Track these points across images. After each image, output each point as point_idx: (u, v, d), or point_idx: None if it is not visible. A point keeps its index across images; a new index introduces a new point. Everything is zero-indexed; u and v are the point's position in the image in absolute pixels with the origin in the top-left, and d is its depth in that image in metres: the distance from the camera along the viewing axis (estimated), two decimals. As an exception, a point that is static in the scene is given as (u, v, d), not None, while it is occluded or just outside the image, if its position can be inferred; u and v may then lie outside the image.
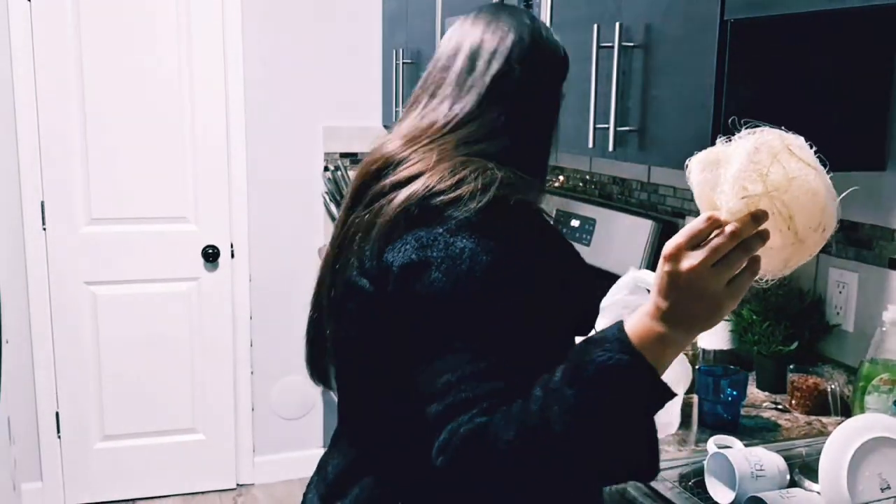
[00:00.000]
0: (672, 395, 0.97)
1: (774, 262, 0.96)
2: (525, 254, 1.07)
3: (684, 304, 0.93)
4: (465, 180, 1.08)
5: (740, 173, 0.92)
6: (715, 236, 0.91)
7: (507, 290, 1.03)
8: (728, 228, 0.90)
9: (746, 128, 0.99)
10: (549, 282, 1.09)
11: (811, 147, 0.99)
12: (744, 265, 0.92)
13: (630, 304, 1.81)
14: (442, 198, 1.07)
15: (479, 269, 1.02)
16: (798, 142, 0.98)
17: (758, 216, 0.90)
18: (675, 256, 0.92)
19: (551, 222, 1.20)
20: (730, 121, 1.09)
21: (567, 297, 1.15)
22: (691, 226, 0.92)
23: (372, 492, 1.20)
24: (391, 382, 1.12)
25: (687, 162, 1.00)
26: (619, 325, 0.97)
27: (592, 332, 1.08)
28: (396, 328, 1.07)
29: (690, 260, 0.91)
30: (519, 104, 1.20)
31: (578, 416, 0.93)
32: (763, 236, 0.91)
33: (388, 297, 1.08)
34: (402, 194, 1.10)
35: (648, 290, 1.76)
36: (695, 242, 0.91)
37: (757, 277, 0.94)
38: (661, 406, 0.97)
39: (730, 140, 0.99)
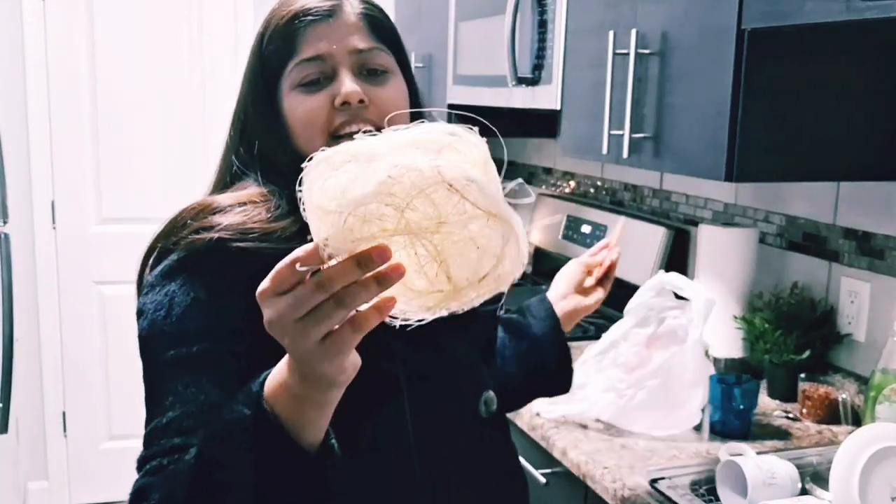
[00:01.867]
0: (307, 453, 0.81)
1: (412, 305, 0.73)
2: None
3: (290, 356, 0.77)
4: None
5: (364, 199, 0.67)
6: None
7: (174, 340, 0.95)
8: (312, 279, 0.69)
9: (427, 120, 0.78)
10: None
11: (515, 180, 0.76)
12: (342, 318, 0.71)
13: (655, 307, 1.82)
14: None
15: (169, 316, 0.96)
16: (469, 175, 0.68)
17: (363, 261, 0.67)
18: (261, 302, 0.73)
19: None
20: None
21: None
22: (277, 267, 0.71)
23: None
24: None
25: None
26: (268, 373, 0.82)
27: None
28: None
29: (270, 310, 0.72)
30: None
31: (198, 482, 0.83)
32: (370, 288, 0.68)
33: None
34: None
35: (675, 294, 1.77)
36: (280, 288, 0.71)
37: (391, 319, 0.73)
38: (300, 464, 0.81)
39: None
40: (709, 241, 2.10)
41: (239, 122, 1.13)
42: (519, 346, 1.38)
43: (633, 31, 1.84)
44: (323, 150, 0.72)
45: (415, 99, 1.13)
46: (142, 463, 0.90)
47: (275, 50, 1.07)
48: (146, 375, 0.97)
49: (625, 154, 1.89)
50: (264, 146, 1.08)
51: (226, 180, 1.13)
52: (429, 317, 0.73)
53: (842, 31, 1.56)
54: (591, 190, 2.95)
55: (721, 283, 2.05)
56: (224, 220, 0.98)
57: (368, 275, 0.68)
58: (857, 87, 1.62)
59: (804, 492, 1.55)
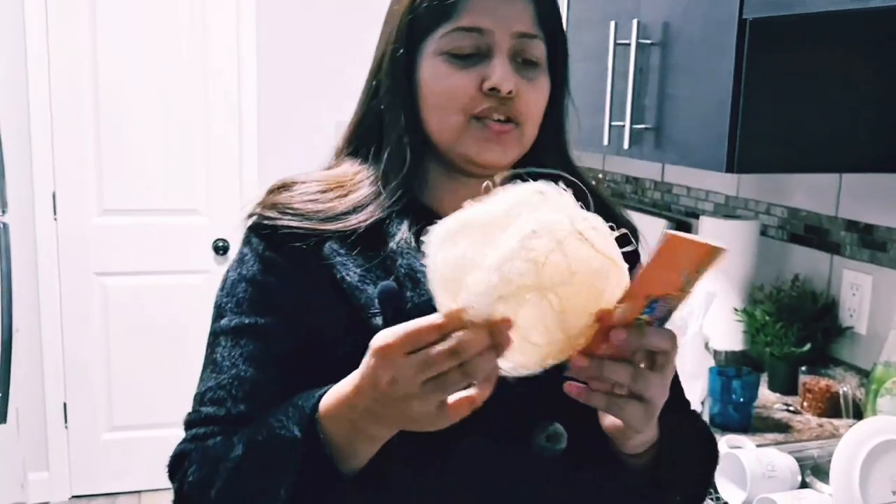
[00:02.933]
0: (346, 479, 0.81)
1: (529, 357, 0.73)
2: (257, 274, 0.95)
3: (383, 409, 0.75)
4: None
5: (506, 262, 0.68)
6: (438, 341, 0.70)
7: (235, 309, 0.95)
8: (445, 344, 0.69)
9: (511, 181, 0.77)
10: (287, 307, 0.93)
11: (613, 227, 0.75)
12: (461, 387, 0.71)
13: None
14: None
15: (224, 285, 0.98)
16: (590, 222, 0.72)
17: (495, 331, 0.69)
18: (384, 357, 0.72)
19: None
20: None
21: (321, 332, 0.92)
22: (412, 325, 0.71)
23: None
24: None
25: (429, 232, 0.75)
26: (324, 390, 0.81)
27: None
28: None
29: (396, 370, 0.71)
30: None
31: (235, 481, 0.85)
32: (491, 357, 0.70)
33: None
34: None
35: None
36: (411, 348, 0.70)
37: (505, 373, 0.73)
38: (338, 488, 0.81)
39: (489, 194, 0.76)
40: (710, 233, 2.09)
41: (372, 82, 1.01)
42: None
43: (635, 22, 1.83)
44: (440, 224, 0.74)
45: (559, 98, 1.02)
46: (187, 425, 0.94)
47: (428, 7, 0.94)
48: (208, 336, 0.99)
49: (626, 145, 1.88)
50: (390, 109, 0.97)
51: (350, 149, 1.03)
52: (539, 369, 0.73)
53: (844, 21, 1.55)
54: (593, 182, 2.94)
55: (722, 276, 2.04)
56: (278, 198, 0.96)
57: (497, 342, 0.69)
58: (859, 77, 1.61)
59: (804, 485, 1.54)
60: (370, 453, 0.81)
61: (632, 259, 0.96)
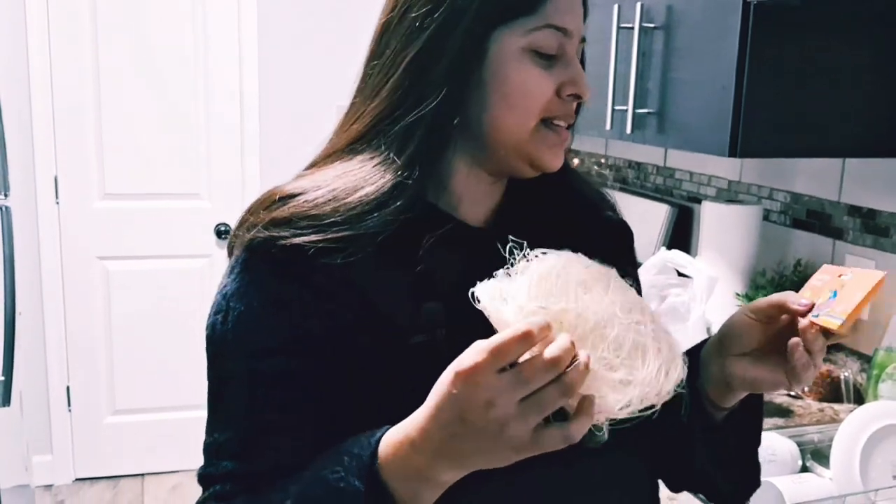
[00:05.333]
0: None
1: (608, 401, 0.71)
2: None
3: (465, 443, 0.68)
4: None
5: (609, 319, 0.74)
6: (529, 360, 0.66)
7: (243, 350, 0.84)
8: (548, 352, 0.65)
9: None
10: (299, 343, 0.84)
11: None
12: (557, 406, 0.66)
13: (657, 284, 1.82)
14: None
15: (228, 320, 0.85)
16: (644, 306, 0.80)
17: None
18: (475, 378, 0.66)
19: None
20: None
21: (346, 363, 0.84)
22: (498, 340, 0.65)
23: None
24: None
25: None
26: (379, 435, 0.75)
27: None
28: None
29: (490, 392, 0.65)
30: None
31: None
32: (584, 373, 0.66)
33: None
34: None
35: (678, 271, 1.76)
36: (501, 365, 0.65)
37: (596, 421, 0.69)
38: None
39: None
40: (712, 218, 2.09)
41: (422, 67, 0.87)
42: None
43: (638, 5, 1.82)
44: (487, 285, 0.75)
45: None
46: (204, 480, 0.85)
47: None
48: (208, 373, 0.88)
49: (628, 129, 1.88)
50: (448, 97, 0.86)
51: (365, 142, 0.90)
52: (626, 413, 0.71)
53: (847, 5, 1.54)
54: (595, 167, 2.94)
55: (724, 261, 2.04)
56: (284, 211, 0.84)
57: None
58: (863, 62, 1.60)
59: (805, 469, 1.55)
60: (434, 497, 0.74)
61: (621, 228, 1.06)
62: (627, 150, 2.74)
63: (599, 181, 2.83)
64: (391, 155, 0.86)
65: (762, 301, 0.89)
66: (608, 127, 1.95)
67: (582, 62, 0.94)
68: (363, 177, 0.86)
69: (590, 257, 0.87)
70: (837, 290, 0.85)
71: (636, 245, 1.11)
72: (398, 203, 0.84)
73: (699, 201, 2.31)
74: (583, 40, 0.92)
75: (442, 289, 0.84)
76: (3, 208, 2.21)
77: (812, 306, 0.84)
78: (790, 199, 2.08)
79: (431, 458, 0.70)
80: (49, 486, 3.55)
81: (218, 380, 0.86)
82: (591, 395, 0.68)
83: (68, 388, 3.52)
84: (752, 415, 0.97)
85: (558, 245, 0.89)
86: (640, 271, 1.83)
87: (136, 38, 3.34)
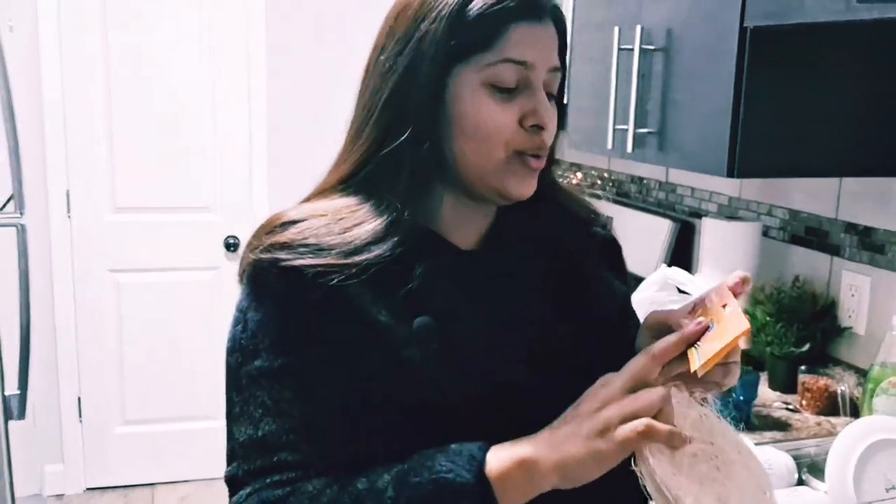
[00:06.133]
0: None
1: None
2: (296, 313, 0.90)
3: (565, 428, 0.82)
4: None
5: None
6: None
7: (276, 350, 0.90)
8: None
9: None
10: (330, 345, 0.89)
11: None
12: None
13: (657, 301, 1.86)
14: None
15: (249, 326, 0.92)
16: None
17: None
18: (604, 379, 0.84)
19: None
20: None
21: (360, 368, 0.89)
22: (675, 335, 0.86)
23: None
24: None
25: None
26: (485, 445, 0.83)
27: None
28: None
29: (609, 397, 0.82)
30: None
31: None
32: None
33: None
34: None
35: (678, 288, 1.79)
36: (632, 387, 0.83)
37: None
38: None
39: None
40: (713, 234, 2.13)
41: (395, 105, 0.92)
42: None
43: (638, 28, 1.86)
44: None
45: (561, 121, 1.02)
46: (250, 476, 0.88)
47: (471, 33, 0.89)
48: (228, 386, 0.93)
49: (629, 149, 1.92)
50: (416, 135, 0.91)
51: (354, 179, 0.96)
52: None
53: (842, 31, 1.58)
54: (598, 181, 2.98)
55: (724, 276, 2.07)
56: (285, 236, 0.91)
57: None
58: (857, 85, 1.64)
59: (801, 482, 1.58)
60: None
61: (609, 243, 1.13)
62: (630, 166, 2.79)
63: (593, 196, 2.87)
64: (383, 192, 0.92)
65: (653, 319, 0.99)
66: (609, 146, 1.99)
67: (560, 90, 0.99)
68: (360, 214, 0.92)
69: (576, 272, 0.99)
70: (716, 324, 0.86)
71: (640, 259, 1.18)
72: (395, 238, 0.90)
73: (700, 216, 2.35)
74: (557, 69, 0.95)
75: (434, 307, 0.90)
76: (20, 226, 2.26)
77: (706, 329, 0.86)
78: (789, 216, 2.12)
79: (534, 444, 0.81)
80: (60, 496, 3.59)
81: (249, 379, 0.90)
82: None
83: (79, 399, 3.56)
84: None
85: (545, 264, 0.99)
86: (642, 287, 1.87)
87: (146, 55, 3.40)
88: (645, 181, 2.71)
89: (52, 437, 3.56)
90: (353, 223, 0.91)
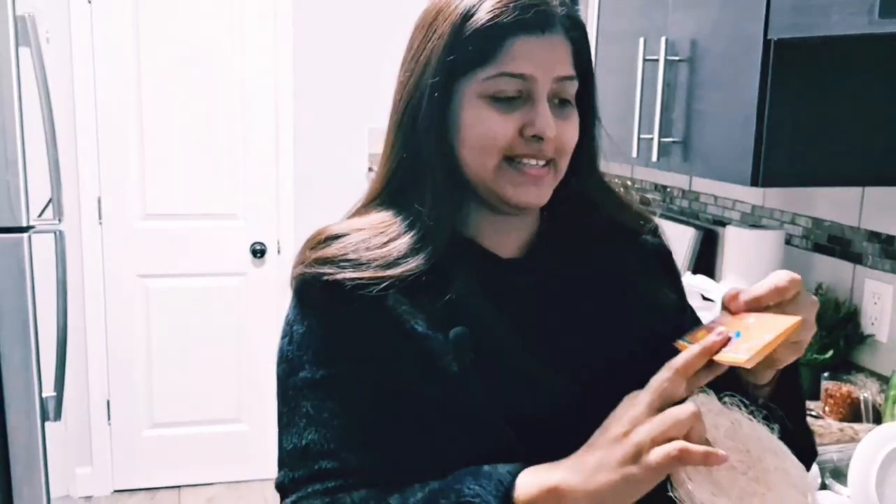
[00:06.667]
0: None
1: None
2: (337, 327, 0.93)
3: (594, 454, 0.80)
4: None
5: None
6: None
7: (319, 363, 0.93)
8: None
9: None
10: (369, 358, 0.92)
11: None
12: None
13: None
14: None
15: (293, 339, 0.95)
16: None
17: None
18: (630, 400, 0.82)
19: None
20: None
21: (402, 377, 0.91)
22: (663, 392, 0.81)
23: None
24: None
25: None
26: (518, 467, 0.83)
27: None
28: None
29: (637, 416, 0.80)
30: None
31: None
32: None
33: None
34: None
35: (703, 296, 1.82)
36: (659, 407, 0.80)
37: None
38: None
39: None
40: (736, 242, 2.15)
41: (407, 123, 0.97)
42: None
43: (663, 39, 1.89)
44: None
45: (591, 128, 1.04)
46: (294, 485, 0.90)
47: (470, 48, 0.93)
48: (278, 396, 0.96)
49: (654, 157, 1.95)
50: (430, 149, 0.95)
51: (385, 192, 1.01)
52: None
53: (865, 43, 1.60)
54: (621, 189, 3.00)
55: (748, 284, 2.08)
56: (328, 251, 0.94)
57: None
58: (879, 95, 1.67)
59: (824, 486, 1.60)
60: None
61: (659, 251, 1.10)
62: (653, 174, 2.81)
63: (643, 204, 2.89)
64: (415, 205, 0.95)
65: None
66: (634, 154, 2.02)
67: (587, 97, 1.00)
68: (396, 228, 0.95)
69: (623, 283, 0.98)
70: (741, 331, 0.85)
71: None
72: (430, 248, 0.93)
73: (724, 224, 2.37)
74: (567, 78, 0.95)
75: (471, 317, 0.92)
76: (58, 232, 2.32)
77: (728, 340, 0.85)
78: (812, 225, 2.14)
79: (565, 472, 0.79)
80: (89, 498, 3.65)
81: (294, 390, 0.93)
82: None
83: (108, 402, 3.62)
84: (793, 383, 1.00)
85: (589, 275, 0.98)
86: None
87: (176, 64, 3.46)
88: (668, 189, 2.74)
89: (80, 440, 3.62)
90: (390, 237, 0.94)
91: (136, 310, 3.59)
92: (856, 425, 1.87)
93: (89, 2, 3.34)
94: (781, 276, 0.90)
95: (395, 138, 0.99)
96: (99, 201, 3.48)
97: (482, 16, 0.92)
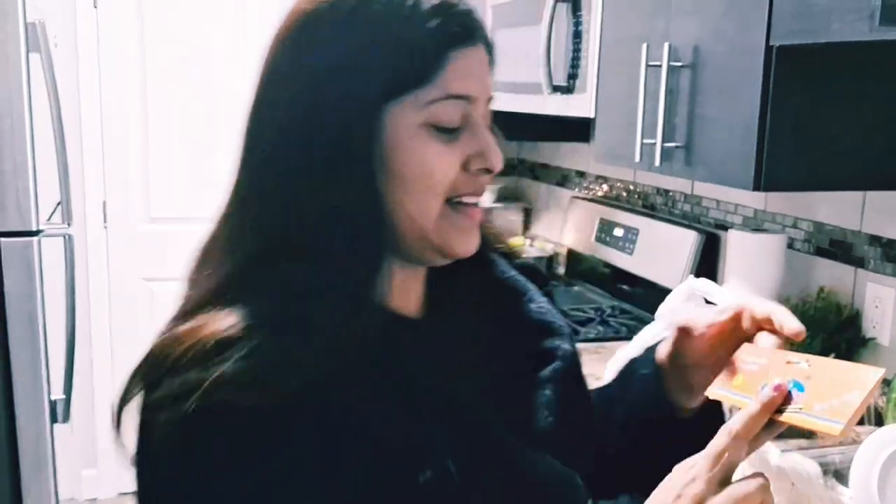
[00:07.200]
0: None
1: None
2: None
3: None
4: None
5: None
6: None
7: None
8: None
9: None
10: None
11: None
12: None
13: (684, 311, 1.89)
14: None
15: None
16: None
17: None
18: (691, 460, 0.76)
19: None
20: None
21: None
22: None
23: None
24: None
25: None
26: None
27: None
28: None
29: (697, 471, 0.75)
30: None
31: None
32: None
33: None
34: None
35: (706, 300, 1.83)
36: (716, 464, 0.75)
37: None
38: None
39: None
40: (738, 246, 2.17)
41: (300, 164, 0.77)
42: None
43: (666, 45, 1.91)
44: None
45: None
46: None
47: (407, 65, 0.75)
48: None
49: (657, 162, 1.96)
50: (346, 187, 0.75)
51: (236, 270, 0.82)
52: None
53: (867, 49, 1.62)
54: (624, 193, 3.03)
55: (750, 288, 2.11)
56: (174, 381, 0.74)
57: None
58: (880, 102, 1.68)
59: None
60: None
61: (532, 270, 1.01)
62: (655, 178, 2.83)
63: (619, 208, 2.91)
64: (313, 271, 0.81)
65: (680, 330, 0.96)
66: (637, 159, 2.04)
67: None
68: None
69: (518, 314, 0.93)
70: (801, 382, 0.79)
71: (665, 271, 1.16)
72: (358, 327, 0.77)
73: (726, 228, 2.39)
74: (492, 99, 0.82)
75: (391, 382, 0.78)
76: (66, 236, 2.35)
77: (788, 393, 0.79)
78: (813, 229, 2.16)
79: None
80: (94, 500, 3.67)
81: None
82: None
83: (113, 405, 3.63)
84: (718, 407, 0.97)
85: (486, 317, 0.91)
86: (669, 298, 1.90)
87: (181, 67, 3.49)
88: (670, 193, 2.76)
89: (86, 442, 3.63)
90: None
91: (141, 313, 3.61)
92: (858, 427, 1.88)
93: (95, 6, 3.36)
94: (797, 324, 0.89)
95: (277, 183, 0.79)
96: (104, 205, 3.50)
97: (416, 21, 0.75)
